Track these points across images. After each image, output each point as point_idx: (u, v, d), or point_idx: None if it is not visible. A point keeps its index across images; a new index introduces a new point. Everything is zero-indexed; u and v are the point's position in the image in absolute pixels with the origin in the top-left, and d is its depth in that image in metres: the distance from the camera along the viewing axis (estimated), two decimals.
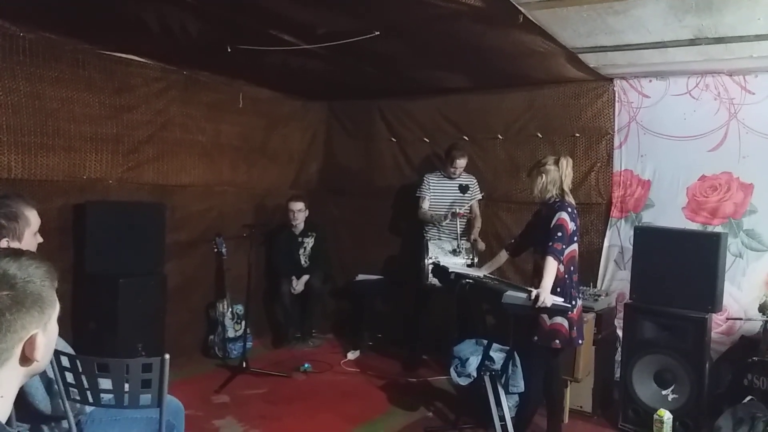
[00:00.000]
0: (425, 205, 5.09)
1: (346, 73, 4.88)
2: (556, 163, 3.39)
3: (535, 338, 3.32)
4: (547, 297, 3.06)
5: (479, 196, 5.11)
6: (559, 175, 3.38)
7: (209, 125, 5.23)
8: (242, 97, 5.45)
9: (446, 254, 4.64)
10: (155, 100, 4.74)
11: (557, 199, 3.37)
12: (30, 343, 1.11)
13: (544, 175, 3.39)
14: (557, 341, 3.28)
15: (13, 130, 3.83)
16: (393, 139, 5.92)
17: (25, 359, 1.12)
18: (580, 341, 3.44)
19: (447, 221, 4.84)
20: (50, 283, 1.16)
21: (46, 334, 1.15)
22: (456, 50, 3.98)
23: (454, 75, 4.85)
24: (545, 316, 3.25)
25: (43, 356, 1.15)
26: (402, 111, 5.84)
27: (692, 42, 3.49)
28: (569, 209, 3.30)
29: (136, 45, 4.31)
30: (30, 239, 2.19)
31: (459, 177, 5.01)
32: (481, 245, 4.84)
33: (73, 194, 4.22)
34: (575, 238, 3.36)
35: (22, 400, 2.05)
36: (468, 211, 4.97)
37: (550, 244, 3.20)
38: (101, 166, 4.39)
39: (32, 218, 2.19)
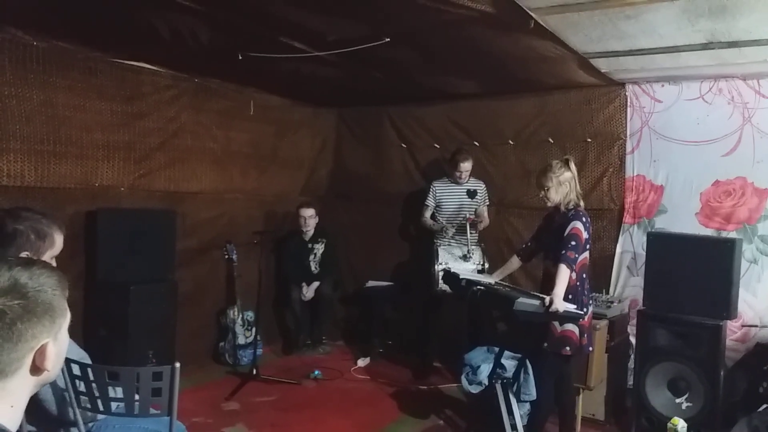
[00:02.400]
0: (427, 214, 5.12)
1: (356, 80, 4.88)
2: (568, 167, 3.37)
3: (545, 345, 3.29)
4: (559, 304, 3.03)
5: (487, 203, 5.10)
6: (573, 177, 3.37)
7: (220, 132, 5.25)
8: (253, 105, 5.47)
9: (457, 260, 4.63)
10: (166, 108, 4.76)
11: (572, 207, 3.35)
12: (41, 353, 1.11)
13: (567, 184, 3.34)
14: (567, 348, 3.26)
15: (26, 138, 3.86)
16: (403, 145, 5.91)
17: (36, 369, 1.12)
18: (590, 348, 3.43)
19: (448, 232, 4.83)
20: (61, 292, 1.16)
21: (56, 344, 1.15)
22: (467, 56, 3.97)
23: (465, 81, 4.83)
24: (556, 323, 3.23)
25: (53, 366, 1.15)
26: (412, 117, 5.84)
27: (705, 46, 3.46)
28: (583, 219, 3.27)
29: (147, 53, 4.34)
30: (48, 261, 2.22)
31: (467, 182, 5.00)
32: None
33: (84, 201, 4.24)
34: (587, 246, 3.33)
35: (32, 408, 2.06)
36: (478, 217, 4.95)
37: (564, 252, 3.17)
38: (113, 173, 4.41)
39: (58, 243, 2.24)
